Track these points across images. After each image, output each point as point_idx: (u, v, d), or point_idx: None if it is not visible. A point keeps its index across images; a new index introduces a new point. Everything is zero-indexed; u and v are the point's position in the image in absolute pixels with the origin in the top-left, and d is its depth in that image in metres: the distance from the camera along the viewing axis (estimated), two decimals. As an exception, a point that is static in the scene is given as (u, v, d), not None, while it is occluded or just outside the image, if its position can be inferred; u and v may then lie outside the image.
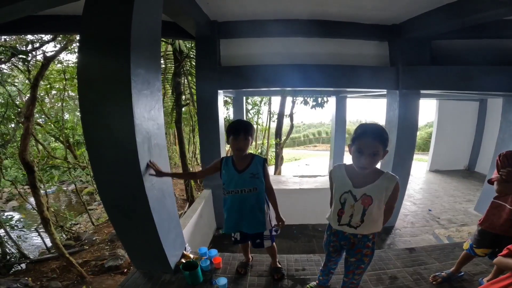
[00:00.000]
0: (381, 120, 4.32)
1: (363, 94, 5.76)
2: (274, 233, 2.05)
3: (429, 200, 5.58)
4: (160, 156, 1.81)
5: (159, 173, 1.79)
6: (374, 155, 1.34)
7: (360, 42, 3.68)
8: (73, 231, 7.02)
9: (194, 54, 4.57)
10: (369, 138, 1.33)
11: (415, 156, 4.60)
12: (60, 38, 5.73)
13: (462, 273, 2.06)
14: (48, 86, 7.62)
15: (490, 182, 1.78)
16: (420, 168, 8.29)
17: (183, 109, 6.86)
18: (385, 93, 3.97)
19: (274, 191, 1.99)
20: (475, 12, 2.49)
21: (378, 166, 1.48)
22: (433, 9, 2.89)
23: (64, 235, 6.81)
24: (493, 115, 6.79)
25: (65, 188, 10.80)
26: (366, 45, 3.70)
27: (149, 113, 1.65)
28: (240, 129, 1.77)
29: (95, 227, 7.27)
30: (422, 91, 3.71)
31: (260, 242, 2.02)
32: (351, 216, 1.50)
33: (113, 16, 1.44)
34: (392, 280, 2.08)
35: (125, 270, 4.51)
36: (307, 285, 2.00)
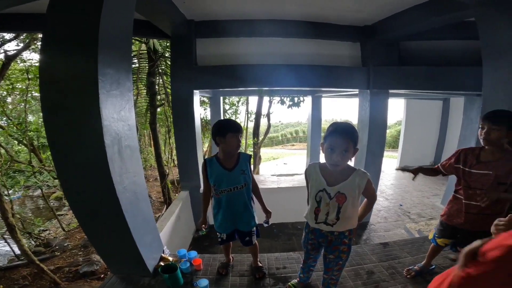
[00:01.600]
0: (354, 119, 4.48)
1: (337, 94, 5.94)
2: (265, 224, 2.12)
3: (399, 195, 5.86)
4: (132, 158, 1.74)
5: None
6: (345, 152, 1.39)
7: (335, 43, 3.80)
8: (42, 238, 6.67)
9: (170, 53, 4.47)
10: (339, 136, 1.38)
11: (386, 153, 4.82)
12: (23, 37, 5.35)
13: (434, 266, 2.15)
14: (10, 86, 7.09)
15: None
16: (390, 164, 8.68)
17: (158, 109, 6.68)
18: (357, 92, 4.13)
19: (257, 185, 2.10)
20: (440, 13, 2.66)
21: (352, 163, 1.53)
22: (402, 11, 3.05)
23: (33, 242, 6.49)
24: (456, 113, 7.28)
25: (31, 194, 10.11)
26: (340, 46, 3.83)
27: (119, 114, 1.59)
28: (240, 128, 1.86)
29: (66, 232, 6.99)
30: (391, 91, 3.89)
31: (249, 239, 2.07)
32: (327, 214, 1.54)
33: (81, 15, 1.37)
34: (369, 275, 2.15)
35: (102, 276, 4.37)
36: (289, 283, 2.02)
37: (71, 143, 1.50)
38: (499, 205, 1.70)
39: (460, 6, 2.42)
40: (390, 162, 9.19)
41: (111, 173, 1.50)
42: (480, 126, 1.68)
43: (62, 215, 8.29)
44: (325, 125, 8.37)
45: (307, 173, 1.64)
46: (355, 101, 4.27)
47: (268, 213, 2.11)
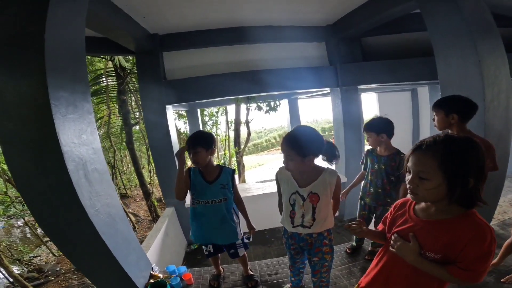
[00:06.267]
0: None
1: (312, 94, 6.07)
2: (246, 240, 2.10)
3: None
4: (101, 181, 1.69)
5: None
6: (290, 160, 1.44)
7: (300, 45, 3.89)
8: (33, 264, 6.59)
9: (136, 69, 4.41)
10: (283, 144, 1.44)
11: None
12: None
13: None
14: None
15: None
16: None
17: (137, 127, 6.55)
18: (328, 91, 4.23)
19: (242, 200, 2.07)
20: (387, 7, 2.81)
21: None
22: (357, 8, 3.20)
23: (24, 268, 6.43)
24: (424, 101, 7.62)
25: (14, 223, 9.88)
26: (306, 47, 3.93)
27: (80, 138, 1.54)
28: (190, 143, 1.80)
29: (57, 257, 6.85)
30: (361, 86, 4.02)
31: (235, 252, 2.06)
32: (302, 216, 1.54)
33: (24, 38, 1.31)
34: (363, 272, 2.13)
35: None
36: None
37: (33, 172, 1.43)
38: None
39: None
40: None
41: (79, 198, 1.45)
42: None
43: (50, 241, 8.07)
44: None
45: (278, 177, 1.65)
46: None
47: (252, 230, 2.09)
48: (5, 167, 7.51)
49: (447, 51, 2.19)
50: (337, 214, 1.70)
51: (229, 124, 10.18)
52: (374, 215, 2.30)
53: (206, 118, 10.44)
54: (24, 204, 7.56)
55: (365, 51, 3.91)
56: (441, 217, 0.90)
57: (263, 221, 4.08)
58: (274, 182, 4.96)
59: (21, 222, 9.24)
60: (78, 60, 1.59)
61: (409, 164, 0.91)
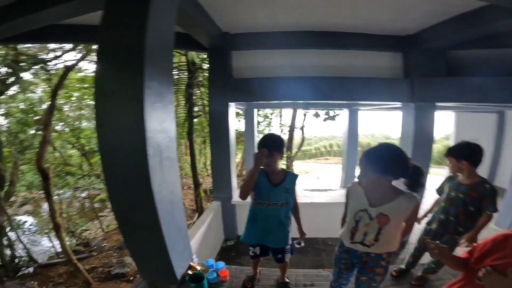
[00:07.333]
0: (395, 133, 4.18)
1: (376, 107, 5.66)
2: (297, 245, 2.12)
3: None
4: (171, 169, 1.81)
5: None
6: (364, 176, 1.45)
7: (373, 54, 3.63)
8: (83, 237, 7.18)
9: (207, 65, 4.62)
10: (362, 158, 1.45)
11: (431, 170, 4.42)
12: (80, 48, 5.93)
13: None
14: (67, 94, 7.86)
15: None
16: (437, 182, 7.94)
17: (195, 120, 6.93)
18: (399, 105, 3.88)
19: (298, 206, 2.11)
20: (487, 22, 2.47)
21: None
22: (447, 19, 2.86)
23: (74, 241, 7.01)
24: (513, 126, 6.54)
25: (78, 195, 11.12)
26: (379, 57, 3.65)
27: (161, 126, 1.66)
28: (263, 145, 1.85)
29: (105, 233, 7.44)
30: (438, 103, 3.59)
31: (282, 256, 2.07)
32: (365, 234, 1.48)
33: (128, 28, 1.48)
34: None
35: (131, 278, 4.50)
36: None
37: (118, 152, 1.59)
38: None
39: (507, 15, 2.22)
40: (435, 179, 8.41)
41: (151, 182, 1.57)
42: None
43: (103, 216, 8.93)
44: (362, 139, 7.93)
45: (349, 192, 1.62)
46: (396, 113, 3.99)
47: (303, 235, 2.11)
48: (83, 141, 8.63)
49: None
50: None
51: (282, 128, 10.13)
52: (438, 241, 2.09)
53: (260, 119, 10.56)
54: (91, 178, 8.49)
55: (451, 65, 3.46)
56: None
57: (304, 229, 3.95)
58: (324, 193, 4.78)
59: (83, 194, 10.33)
60: (167, 53, 1.73)
61: None
